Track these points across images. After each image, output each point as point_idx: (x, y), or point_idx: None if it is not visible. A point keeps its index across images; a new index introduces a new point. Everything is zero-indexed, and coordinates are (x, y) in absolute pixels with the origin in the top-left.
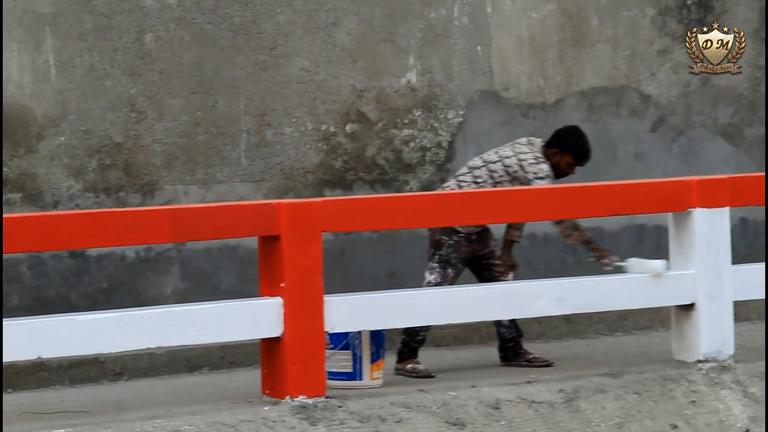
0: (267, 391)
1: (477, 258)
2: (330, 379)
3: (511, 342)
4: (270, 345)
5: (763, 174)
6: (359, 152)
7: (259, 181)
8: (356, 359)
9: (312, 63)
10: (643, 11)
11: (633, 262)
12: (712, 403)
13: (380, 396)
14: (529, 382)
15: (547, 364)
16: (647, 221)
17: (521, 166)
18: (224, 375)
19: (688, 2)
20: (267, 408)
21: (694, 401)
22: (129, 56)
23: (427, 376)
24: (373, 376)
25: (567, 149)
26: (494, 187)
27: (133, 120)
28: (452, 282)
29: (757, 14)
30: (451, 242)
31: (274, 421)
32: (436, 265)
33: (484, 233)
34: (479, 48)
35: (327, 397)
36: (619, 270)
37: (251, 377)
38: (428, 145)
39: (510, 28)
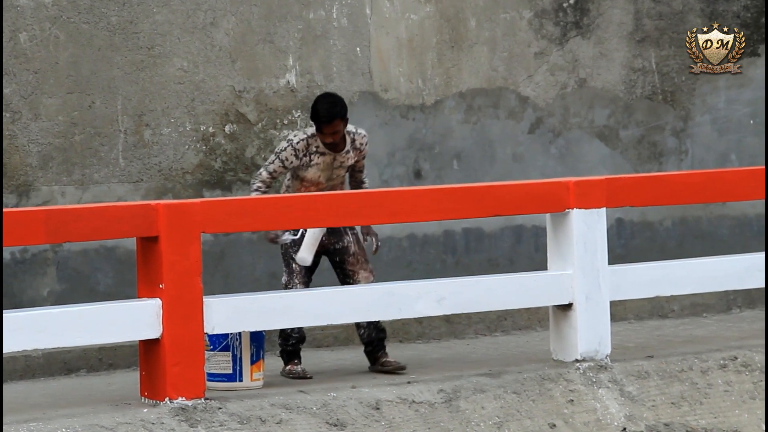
0: (146, 393)
1: (331, 252)
2: (210, 380)
3: (369, 346)
4: (149, 346)
5: (638, 175)
6: (238, 153)
7: (137, 181)
8: (236, 360)
9: (190, 63)
10: (520, 13)
11: None
12: (590, 402)
13: (260, 397)
14: (409, 382)
15: (400, 368)
16: (525, 222)
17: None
18: (102, 377)
19: (564, 5)
20: (146, 410)
21: (572, 400)
22: (3, 56)
23: (301, 377)
24: (253, 377)
25: (313, 119)
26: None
27: (8, 120)
28: (305, 276)
29: (631, 17)
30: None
31: (153, 423)
32: (284, 264)
33: (337, 228)
34: (358, 49)
35: (207, 399)
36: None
37: (130, 379)
38: None
39: (389, 30)
